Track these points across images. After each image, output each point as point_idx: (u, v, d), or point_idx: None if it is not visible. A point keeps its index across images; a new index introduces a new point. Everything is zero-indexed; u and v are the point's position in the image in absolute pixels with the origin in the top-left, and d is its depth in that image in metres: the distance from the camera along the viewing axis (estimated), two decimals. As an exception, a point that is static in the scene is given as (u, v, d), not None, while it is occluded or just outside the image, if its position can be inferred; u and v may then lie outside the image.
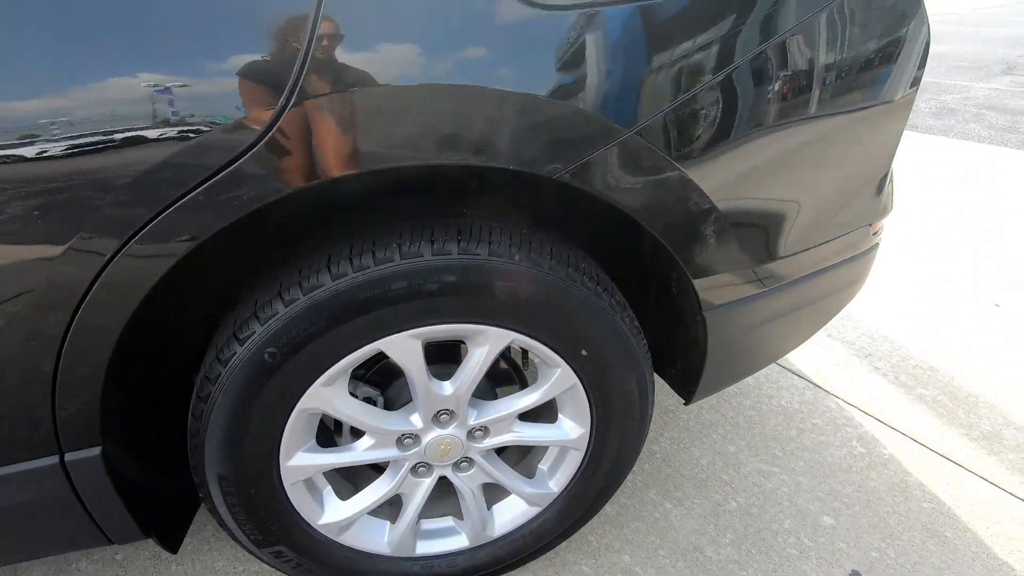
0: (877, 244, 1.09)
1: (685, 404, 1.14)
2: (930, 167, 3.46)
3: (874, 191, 1.01)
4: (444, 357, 1.00)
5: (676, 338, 1.07)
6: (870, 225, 1.03)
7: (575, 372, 0.93)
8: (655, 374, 1.17)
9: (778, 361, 1.78)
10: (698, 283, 0.90)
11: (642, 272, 1.05)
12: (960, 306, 2.10)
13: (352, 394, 0.93)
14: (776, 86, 0.80)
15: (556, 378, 0.94)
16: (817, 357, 1.84)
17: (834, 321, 2.01)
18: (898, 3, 0.89)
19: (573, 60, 0.70)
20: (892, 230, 2.64)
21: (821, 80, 0.83)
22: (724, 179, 0.83)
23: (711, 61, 0.75)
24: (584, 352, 0.91)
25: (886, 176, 1.01)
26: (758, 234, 0.90)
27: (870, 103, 0.90)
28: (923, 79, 0.91)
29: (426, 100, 0.67)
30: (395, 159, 0.69)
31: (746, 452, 1.48)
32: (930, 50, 0.97)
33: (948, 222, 2.72)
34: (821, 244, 0.98)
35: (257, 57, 0.62)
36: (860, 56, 0.87)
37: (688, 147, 0.79)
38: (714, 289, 0.93)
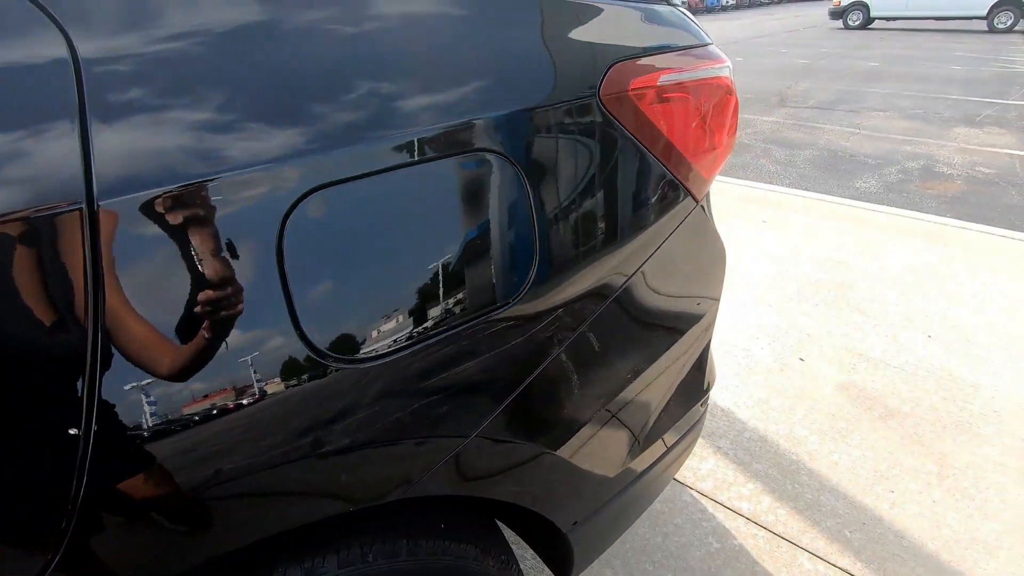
0: (705, 411, 1.21)
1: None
2: (732, 215, 3.98)
3: (698, 375, 1.12)
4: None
5: (537, 532, 1.09)
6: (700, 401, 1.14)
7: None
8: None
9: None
10: (558, 520, 0.92)
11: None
12: (771, 363, 2.42)
13: None
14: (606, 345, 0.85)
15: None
16: (670, 444, 2.00)
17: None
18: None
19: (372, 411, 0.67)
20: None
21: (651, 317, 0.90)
22: (574, 444, 0.87)
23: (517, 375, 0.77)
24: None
25: (707, 354, 1.12)
26: (607, 460, 0.95)
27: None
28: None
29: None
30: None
31: (622, 573, 1.56)
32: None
33: (749, 278, 3.14)
34: (663, 435, 1.06)
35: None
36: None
37: (531, 431, 0.80)
38: (570, 514, 0.96)
